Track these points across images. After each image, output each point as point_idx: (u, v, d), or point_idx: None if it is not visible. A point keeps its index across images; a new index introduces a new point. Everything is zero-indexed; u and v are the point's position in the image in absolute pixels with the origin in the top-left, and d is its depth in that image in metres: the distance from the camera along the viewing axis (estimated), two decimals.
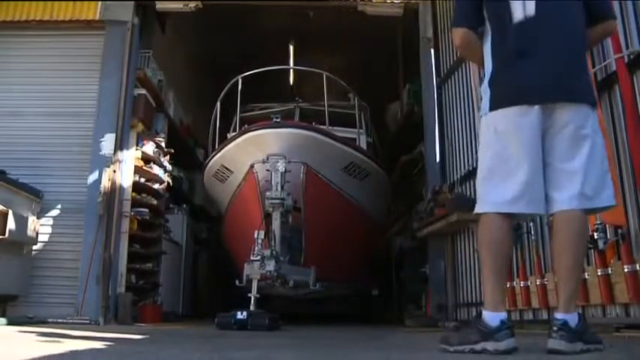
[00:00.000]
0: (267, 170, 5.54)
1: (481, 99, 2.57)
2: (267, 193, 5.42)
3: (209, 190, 7.94)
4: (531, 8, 2.42)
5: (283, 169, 5.45)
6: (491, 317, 2.25)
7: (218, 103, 7.38)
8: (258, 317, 4.77)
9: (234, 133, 6.79)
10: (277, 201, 5.36)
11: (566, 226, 2.32)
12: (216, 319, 4.96)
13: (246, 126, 6.28)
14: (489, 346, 2.20)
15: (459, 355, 2.24)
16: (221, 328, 4.80)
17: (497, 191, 2.38)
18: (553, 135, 2.36)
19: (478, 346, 2.23)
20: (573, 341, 2.18)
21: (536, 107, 2.33)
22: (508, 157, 2.37)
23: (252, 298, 4.98)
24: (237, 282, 5.41)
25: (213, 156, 6.73)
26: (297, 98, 8.95)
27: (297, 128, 5.99)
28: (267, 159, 5.55)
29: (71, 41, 7.06)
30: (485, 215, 2.39)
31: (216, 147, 6.80)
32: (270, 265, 5.01)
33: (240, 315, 4.74)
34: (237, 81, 6.83)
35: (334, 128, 6.96)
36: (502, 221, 2.36)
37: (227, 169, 6.51)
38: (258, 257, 5.05)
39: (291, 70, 11.02)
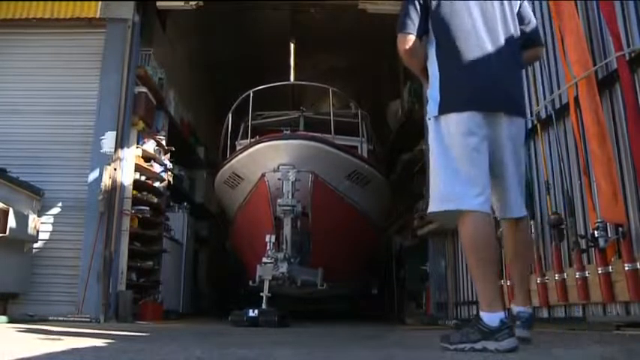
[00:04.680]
0: (279, 179, 5.91)
1: (427, 102, 2.68)
2: (279, 201, 5.79)
3: (219, 196, 8.36)
4: (479, 23, 2.58)
5: (294, 178, 5.82)
6: (490, 318, 2.27)
7: (230, 115, 7.84)
8: (268, 314, 5.16)
9: (244, 143, 7.35)
10: (288, 208, 5.75)
11: (525, 233, 2.61)
12: (229, 316, 5.38)
13: (257, 137, 6.72)
14: (490, 345, 2.23)
15: (459, 354, 2.25)
16: (234, 324, 5.19)
17: (458, 190, 2.43)
18: (501, 145, 2.52)
19: (478, 345, 2.26)
20: (531, 329, 2.51)
21: (489, 114, 2.49)
22: (462, 159, 2.44)
23: (264, 297, 5.39)
24: (250, 282, 5.81)
25: (225, 164, 7.11)
26: (301, 107, 9.31)
27: (306, 139, 6.39)
28: (278, 168, 5.95)
29: (72, 39, 7.05)
30: (467, 214, 2.40)
31: (228, 155, 7.26)
32: (283, 267, 5.44)
33: (252, 312, 5.15)
34: (249, 95, 7.44)
35: (337, 137, 7.37)
36: (484, 218, 2.39)
37: (238, 176, 6.87)
38: (272, 260, 5.47)
39: (292, 73, 11.13)
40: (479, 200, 2.39)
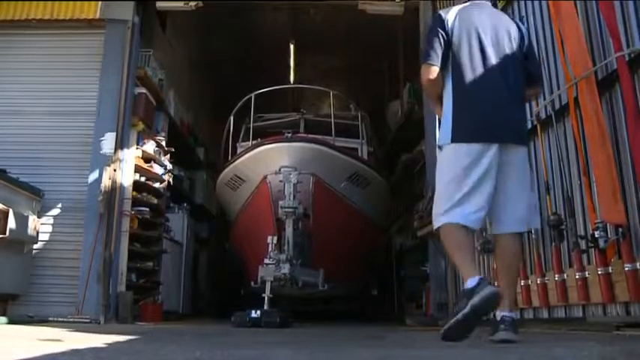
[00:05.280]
0: (280, 181, 5.96)
1: (438, 128, 2.95)
2: (281, 202, 5.84)
3: (220, 197, 8.45)
4: (491, 61, 2.89)
5: (295, 181, 5.87)
6: (471, 282, 2.59)
7: (231, 118, 7.92)
8: (270, 315, 5.21)
9: (246, 145, 7.44)
10: (290, 209, 5.80)
11: (514, 245, 2.87)
12: (232, 317, 5.41)
13: (259, 139, 6.82)
14: (474, 300, 2.51)
15: (458, 354, 2.25)
16: (237, 325, 5.22)
17: (458, 209, 2.77)
18: (506, 170, 2.82)
19: (467, 309, 2.52)
20: (516, 332, 2.66)
21: (495, 145, 2.78)
22: (466, 184, 2.77)
23: (266, 298, 5.44)
24: (252, 283, 5.86)
25: (227, 166, 7.19)
26: (302, 110, 9.40)
27: (307, 142, 6.46)
28: (280, 170, 5.98)
29: (72, 40, 7.06)
30: (446, 226, 2.79)
31: (229, 158, 7.35)
32: (286, 268, 5.49)
33: (254, 313, 5.19)
34: (251, 97, 7.56)
35: (338, 139, 7.44)
36: (463, 229, 2.78)
37: (240, 178, 6.94)
38: (274, 261, 5.51)
39: (292, 73, 11.16)
40: (476, 216, 2.77)
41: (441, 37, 2.94)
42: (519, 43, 3.00)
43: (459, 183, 2.77)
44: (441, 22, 2.98)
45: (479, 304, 2.48)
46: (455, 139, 2.83)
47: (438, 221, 2.84)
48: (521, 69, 2.97)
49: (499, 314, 2.75)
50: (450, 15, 2.99)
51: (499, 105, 2.83)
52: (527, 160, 2.94)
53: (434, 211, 2.91)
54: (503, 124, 2.82)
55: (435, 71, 2.93)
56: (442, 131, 2.93)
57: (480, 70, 2.87)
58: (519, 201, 2.85)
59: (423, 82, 3.01)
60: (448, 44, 2.94)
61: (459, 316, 2.52)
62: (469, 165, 2.75)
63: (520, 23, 3.16)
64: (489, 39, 2.92)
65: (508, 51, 2.93)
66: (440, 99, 3.02)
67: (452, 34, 2.94)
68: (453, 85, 2.92)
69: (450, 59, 2.94)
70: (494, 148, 2.76)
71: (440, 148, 2.96)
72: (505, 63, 2.90)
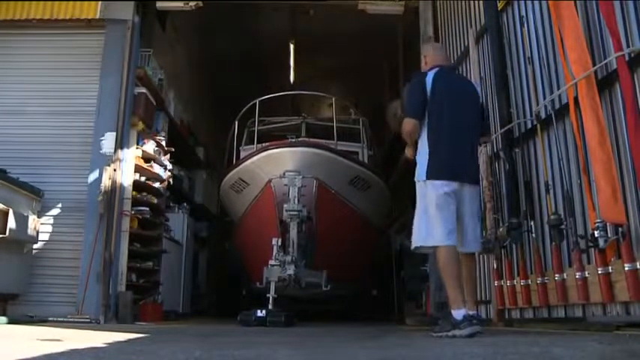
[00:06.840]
0: (285, 185, 6.11)
1: (415, 165, 3.74)
2: (285, 206, 6.01)
3: (224, 200, 8.55)
4: (458, 117, 3.70)
5: (300, 184, 6.04)
6: (457, 313, 3.40)
7: (236, 123, 8.11)
8: (275, 315, 5.34)
9: (249, 148, 7.69)
10: (295, 212, 5.97)
11: (473, 261, 3.84)
12: (238, 316, 5.56)
13: (262, 143, 7.08)
14: (457, 332, 3.30)
15: (458, 354, 2.26)
16: (243, 324, 5.35)
17: (440, 232, 3.53)
18: (464, 202, 3.67)
19: (450, 333, 3.33)
20: (480, 324, 3.44)
21: (458, 183, 3.62)
22: (439, 210, 3.54)
23: (271, 298, 5.56)
24: (257, 283, 6.04)
25: (231, 169, 7.34)
26: (303, 114, 9.49)
27: (310, 147, 6.58)
28: (284, 175, 6.14)
29: (71, 40, 7.07)
30: (440, 248, 3.52)
31: (234, 162, 7.54)
32: (291, 269, 5.70)
33: (260, 313, 5.35)
34: (255, 103, 7.74)
35: (339, 143, 7.62)
36: (452, 249, 3.52)
37: (244, 181, 7.07)
38: (278, 262, 5.68)
39: (292, 73, 11.17)
40: (450, 238, 3.51)
41: (421, 92, 3.69)
42: (478, 102, 3.90)
43: (434, 209, 3.53)
44: (422, 83, 3.72)
45: (459, 336, 3.27)
46: (429, 177, 3.62)
47: (420, 242, 3.63)
48: (479, 123, 3.86)
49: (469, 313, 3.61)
50: (429, 77, 3.73)
51: (461, 153, 3.67)
52: (479, 195, 3.88)
53: (414, 232, 3.68)
54: (462, 168, 3.66)
55: (414, 124, 3.69)
56: (419, 169, 3.68)
57: (449, 124, 3.64)
58: (473, 228, 3.71)
59: (404, 131, 3.76)
60: (426, 101, 3.67)
61: (443, 334, 3.35)
62: (439, 195, 3.53)
63: (476, 84, 4.24)
64: (458, 99, 3.72)
65: (470, 109, 3.81)
66: (415, 143, 3.79)
67: (430, 93, 3.67)
68: (429, 135, 3.67)
69: (427, 114, 3.68)
70: (454, 185, 3.59)
71: (417, 182, 3.69)
72: (468, 119, 3.75)
